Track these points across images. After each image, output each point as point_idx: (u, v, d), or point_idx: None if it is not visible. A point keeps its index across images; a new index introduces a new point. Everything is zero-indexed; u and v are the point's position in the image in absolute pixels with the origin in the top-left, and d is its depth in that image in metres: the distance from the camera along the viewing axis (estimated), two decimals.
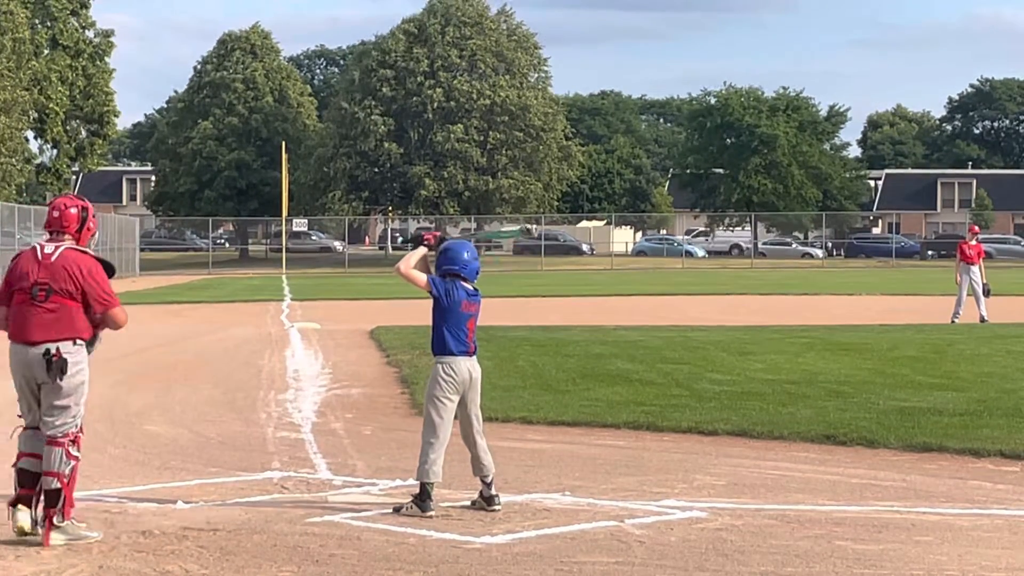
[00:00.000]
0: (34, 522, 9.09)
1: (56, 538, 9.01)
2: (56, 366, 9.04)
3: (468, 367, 10.33)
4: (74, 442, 9.10)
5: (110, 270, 9.31)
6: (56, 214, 9.20)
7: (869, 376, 18.63)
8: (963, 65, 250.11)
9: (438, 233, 10.66)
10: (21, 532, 9.06)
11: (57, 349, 9.06)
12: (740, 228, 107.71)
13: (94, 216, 9.39)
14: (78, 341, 9.13)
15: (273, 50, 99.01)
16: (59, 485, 9.02)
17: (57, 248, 9.19)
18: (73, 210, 9.21)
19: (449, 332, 10.28)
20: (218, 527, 9.65)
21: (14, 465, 9.26)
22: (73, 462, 9.08)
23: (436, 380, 10.30)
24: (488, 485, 10.31)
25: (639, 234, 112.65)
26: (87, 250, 9.25)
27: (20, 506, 9.13)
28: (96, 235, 9.44)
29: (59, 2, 79.29)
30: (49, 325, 9.09)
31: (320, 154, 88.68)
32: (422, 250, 10.53)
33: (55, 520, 9.01)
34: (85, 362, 9.18)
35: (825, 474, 11.94)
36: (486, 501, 10.27)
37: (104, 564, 8.63)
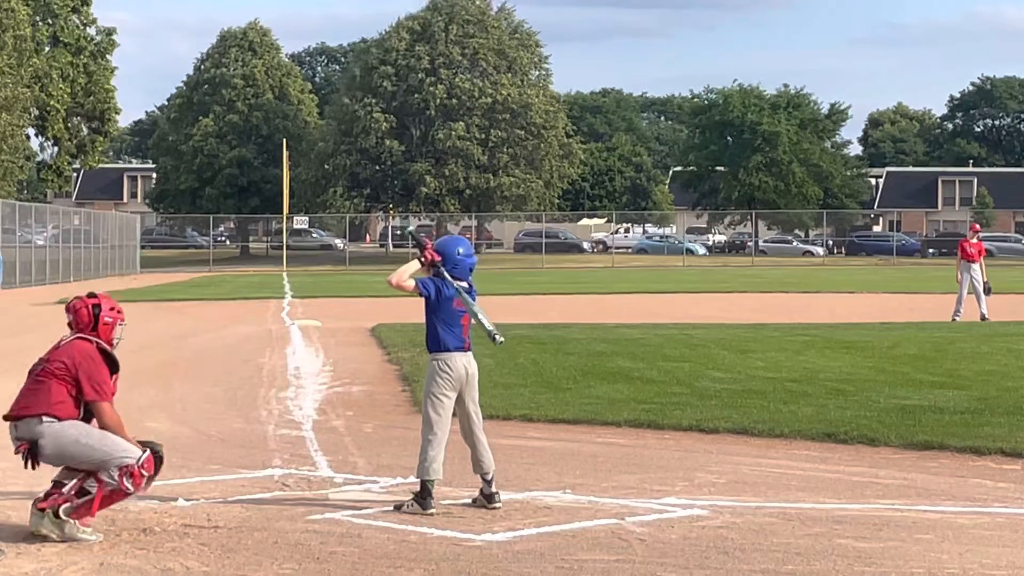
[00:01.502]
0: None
1: (51, 528, 9.05)
2: (27, 456, 9.18)
3: (464, 363, 10.34)
4: (131, 475, 9.09)
5: (113, 365, 9.41)
6: (70, 316, 9.48)
7: (870, 374, 18.62)
8: (964, 63, 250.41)
9: (439, 258, 10.46)
10: (36, 533, 9.13)
11: (20, 444, 9.20)
12: (741, 226, 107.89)
13: (113, 309, 9.49)
14: (45, 419, 9.12)
15: (273, 47, 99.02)
16: (95, 488, 9.06)
17: (71, 336, 9.43)
18: (83, 309, 9.43)
19: (442, 329, 10.29)
20: (219, 524, 9.66)
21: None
22: (113, 483, 9.06)
23: (432, 377, 10.32)
24: (488, 483, 10.31)
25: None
26: (98, 341, 9.37)
27: (37, 511, 9.22)
28: (120, 326, 9.52)
29: None
30: (26, 397, 9.26)
31: (321, 151, 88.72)
32: (416, 264, 10.51)
33: (61, 512, 9.05)
34: (60, 430, 9.10)
35: (826, 472, 11.93)
36: (486, 499, 10.27)
37: (105, 561, 8.63)
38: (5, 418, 9.31)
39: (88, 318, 9.42)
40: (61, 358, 9.27)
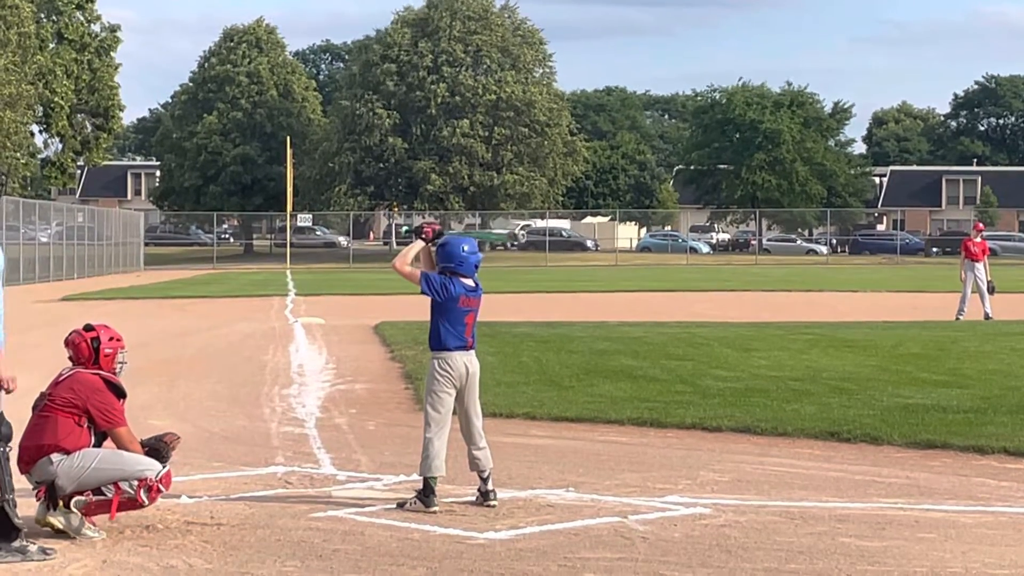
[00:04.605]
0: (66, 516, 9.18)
1: (58, 518, 9.10)
2: (48, 497, 9.17)
3: (465, 362, 10.32)
4: (149, 489, 9.11)
5: (119, 392, 9.39)
6: (70, 351, 9.42)
7: (873, 373, 18.61)
8: (968, 62, 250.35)
9: (438, 226, 10.61)
10: (41, 523, 9.19)
11: (38, 489, 9.17)
12: (744, 225, 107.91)
13: (112, 339, 9.43)
14: (55, 457, 9.10)
15: (278, 45, 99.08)
16: (112, 493, 9.08)
17: (71, 370, 9.38)
18: (82, 344, 9.37)
19: (445, 327, 10.29)
20: (222, 522, 9.66)
21: None
22: (131, 493, 9.08)
23: (433, 375, 10.33)
24: (485, 480, 10.32)
25: (643, 230, 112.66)
26: (99, 372, 9.33)
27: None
28: (121, 353, 9.48)
29: None
30: (33, 433, 9.22)
31: (325, 149, 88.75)
32: (419, 244, 10.51)
33: (73, 504, 9.09)
34: (72, 463, 9.09)
35: (829, 471, 11.93)
36: (483, 496, 10.29)
37: (108, 558, 8.64)
38: (23, 471, 9.23)
39: (88, 351, 9.36)
40: (63, 392, 9.22)
